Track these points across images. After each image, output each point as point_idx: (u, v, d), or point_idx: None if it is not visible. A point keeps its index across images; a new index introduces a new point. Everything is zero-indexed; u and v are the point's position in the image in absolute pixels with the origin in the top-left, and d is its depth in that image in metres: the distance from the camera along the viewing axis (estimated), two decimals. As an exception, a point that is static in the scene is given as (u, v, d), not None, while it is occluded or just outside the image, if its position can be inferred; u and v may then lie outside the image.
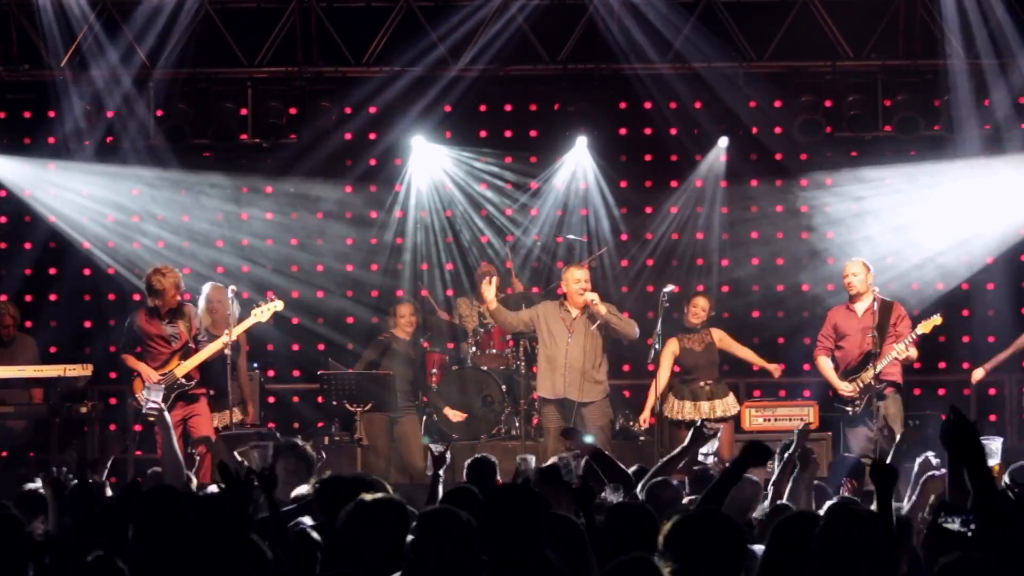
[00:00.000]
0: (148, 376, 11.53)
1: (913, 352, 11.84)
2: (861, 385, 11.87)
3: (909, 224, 14.38)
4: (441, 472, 7.90)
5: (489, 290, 12.05)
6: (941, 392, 14.17)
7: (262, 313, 11.84)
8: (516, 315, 12.38)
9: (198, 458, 11.38)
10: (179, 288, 11.62)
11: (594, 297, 11.87)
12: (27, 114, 14.49)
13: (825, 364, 12.14)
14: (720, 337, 12.37)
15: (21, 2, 13.64)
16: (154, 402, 9.32)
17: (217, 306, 12.08)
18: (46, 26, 13.50)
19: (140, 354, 11.65)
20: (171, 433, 8.77)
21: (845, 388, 11.96)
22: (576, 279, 12.01)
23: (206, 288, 12.23)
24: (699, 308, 12.32)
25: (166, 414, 9.20)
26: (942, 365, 13.76)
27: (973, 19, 13.32)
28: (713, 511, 5.32)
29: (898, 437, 8.66)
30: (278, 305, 11.96)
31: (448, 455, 8.13)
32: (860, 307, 11.96)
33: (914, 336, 11.76)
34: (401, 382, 12.66)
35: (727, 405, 12.27)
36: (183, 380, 11.56)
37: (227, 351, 11.59)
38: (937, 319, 11.82)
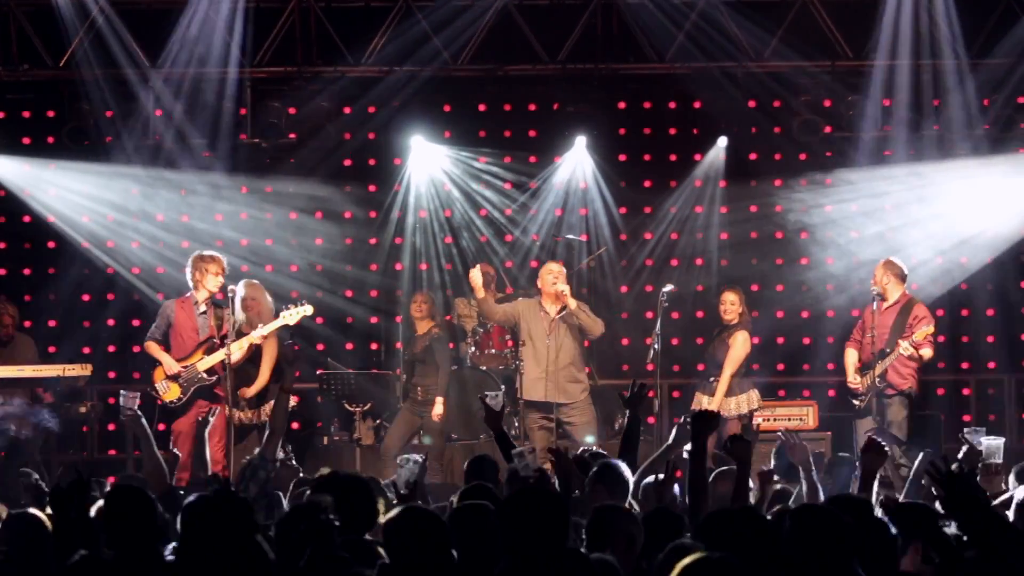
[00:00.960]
0: (169, 367, 11.41)
1: (927, 352, 11.87)
2: (869, 382, 11.97)
3: (908, 223, 14.36)
4: (504, 428, 7.65)
5: (478, 276, 12.04)
6: (940, 392, 14.18)
7: (290, 316, 11.49)
8: (499, 307, 12.42)
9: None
10: (224, 271, 11.46)
11: (565, 289, 11.88)
12: (26, 114, 14.52)
13: (848, 356, 12.33)
14: (733, 343, 12.10)
15: (21, 2, 13.63)
16: (130, 409, 9.20)
17: (252, 303, 11.66)
18: (45, 26, 13.49)
19: (165, 341, 11.53)
20: (151, 441, 8.69)
21: (852, 381, 12.16)
22: (550, 271, 12.08)
23: (240, 286, 11.67)
24: (726, 304, 12.23)
25: (143, 420, 9.12)
26: (941, 365, 13.74)
27: (974, 19, 13.35)
28: (747, 507, 5.37)
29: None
30: (307, 309, 11.63)
31: (504, 406, 7.81)
32: (883, 305, 12.09)
33: (913, 340, 11.78)
34: (421, 375, 12.68)
35: (738, 402, 12.08)
36: (204, 375, 11.45)
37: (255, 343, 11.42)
38: (930, 328, 11.89)
